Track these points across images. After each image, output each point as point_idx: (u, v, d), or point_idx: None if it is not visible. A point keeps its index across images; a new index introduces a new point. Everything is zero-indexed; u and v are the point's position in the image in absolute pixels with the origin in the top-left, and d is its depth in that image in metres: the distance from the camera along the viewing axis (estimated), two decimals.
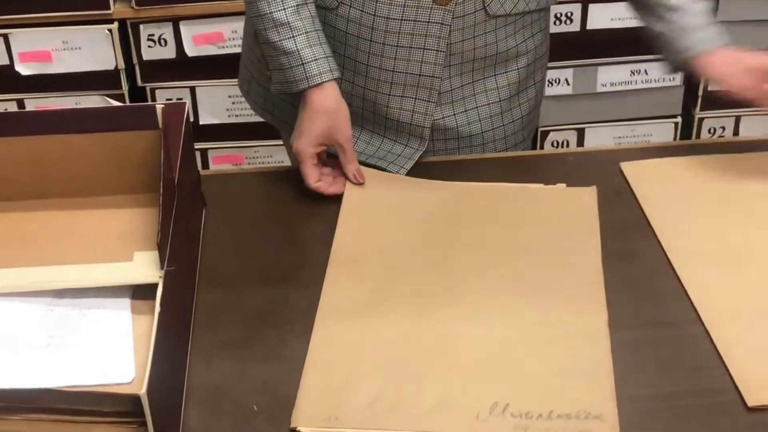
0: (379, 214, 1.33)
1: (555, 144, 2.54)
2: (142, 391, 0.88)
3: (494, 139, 1.48)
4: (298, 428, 1.00)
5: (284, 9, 1.31)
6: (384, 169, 1.43)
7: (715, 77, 1.40)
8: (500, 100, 1.45)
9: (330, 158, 1.39)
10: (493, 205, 1.34)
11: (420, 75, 1.38)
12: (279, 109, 1.51)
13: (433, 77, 1.39)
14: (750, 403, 1.02)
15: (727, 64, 1.37)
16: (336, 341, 1.11)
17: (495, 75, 1.44)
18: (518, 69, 1.45)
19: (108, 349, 1.00)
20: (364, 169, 1.39)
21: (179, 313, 1.09)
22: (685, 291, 1.18)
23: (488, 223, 1.30)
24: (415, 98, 1.41)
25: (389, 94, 1.41)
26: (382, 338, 1.11)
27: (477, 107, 1.44)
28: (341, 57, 1.39)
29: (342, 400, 1.03)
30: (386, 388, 1.04)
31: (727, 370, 1.06)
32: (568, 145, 2.54)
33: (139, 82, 2.40)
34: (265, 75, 1.45)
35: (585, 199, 1.35)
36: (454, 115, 1.44)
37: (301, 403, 1.02)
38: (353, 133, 1.38)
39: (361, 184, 1.36)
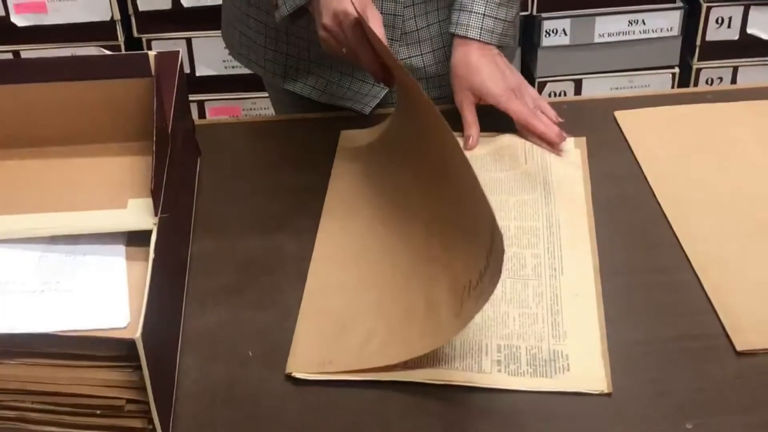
0: (372, 164, 1.32)
1: (552, 95, 2.53)
2: (136, 335, 0.88)
3: None
4: (293, 374, 1.01)
5: None
6: (350, 109, 1.43)
7: (452, 80, 1.37)
8: None
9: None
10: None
11: (382, 14, 1.36)
12: (254, 53, 1.50)
13: (395, 15, 1.38)
14: (739, 347, 1.03)
15: (462, 69, 1.35)
16: (330, 289, 1.12)
17: None
18: None
19: (102, 295, 1.00)
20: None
21: (174, 260, 1.10)
22: (677, 238, 1.18)
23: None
24: None
25: None
26: (375, 284, 1.11)
27: (444, 47, 1.43)
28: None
29: (336, 344, 1.03)
30: (378, 327, 1.04)
31: (717, 315, 1.07)
32: (565, 96, 2.53)
33: (135, 33, 2.39)
34: (240, 19, 1.45)
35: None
36: (421, 54, 1.43)
37: (297, 350, 1.03)
38: (322, 75, 1.40)
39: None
